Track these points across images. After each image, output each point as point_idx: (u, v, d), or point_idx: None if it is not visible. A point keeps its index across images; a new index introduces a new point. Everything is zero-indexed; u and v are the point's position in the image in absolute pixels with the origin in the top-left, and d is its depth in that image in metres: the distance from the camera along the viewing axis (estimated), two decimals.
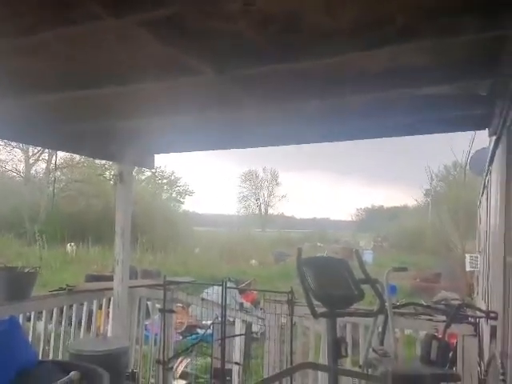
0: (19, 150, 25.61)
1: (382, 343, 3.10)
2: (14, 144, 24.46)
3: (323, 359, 3.54)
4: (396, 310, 3.29)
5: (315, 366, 3.49)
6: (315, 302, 2.41)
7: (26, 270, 3.72)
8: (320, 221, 47.37)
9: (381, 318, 3.11)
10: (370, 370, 2.94)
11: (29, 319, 3.81)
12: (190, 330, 7.89)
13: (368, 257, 19.12)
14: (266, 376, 3.85)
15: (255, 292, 10.25)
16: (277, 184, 48.62)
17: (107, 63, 2.34)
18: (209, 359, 5.30)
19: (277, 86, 2.57)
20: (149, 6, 1.61)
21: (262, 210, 49.04)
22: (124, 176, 4.07)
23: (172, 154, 4.75)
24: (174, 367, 5.27)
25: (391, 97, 2.67)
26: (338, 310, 2.54)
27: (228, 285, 4.16)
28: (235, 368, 4.56)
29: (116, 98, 2.84)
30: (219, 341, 4.08)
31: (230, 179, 65.83)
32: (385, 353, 2.84)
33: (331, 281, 2.54)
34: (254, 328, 5.77)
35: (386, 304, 2.92)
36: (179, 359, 5.67)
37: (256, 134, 3.56)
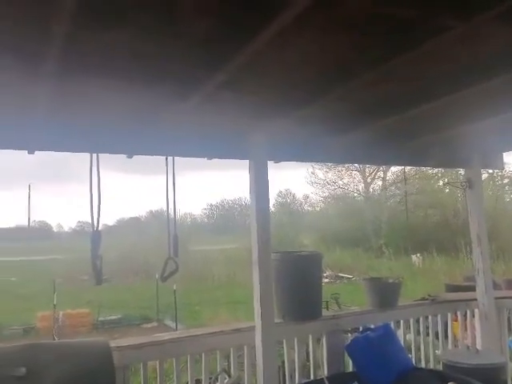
0: (357, 172, 28.40)
1: None
2: (352, 168, 27.35)
3: None
4: None
5: None
6: None
7: (391, 281, 4.03)
8: None
9: None
10: None
11: (398, 326, 4.07)
12: None
13: None
14: None
15: None
16: None
17: (449, 70, 2.33)
18: None
19: None
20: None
21: None
22: (473, 181, 3.90)
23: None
24: None
25: None
26: None
27: None
28: None
29: (457, 103, 2.78)
30: None
31: None
32: None
33: None
34: None
35: None
36: None
37: None
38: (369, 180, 28.94)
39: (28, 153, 2.63)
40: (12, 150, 2.58)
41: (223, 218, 45.00)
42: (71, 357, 2.45)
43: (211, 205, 47.37)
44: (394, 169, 26.59)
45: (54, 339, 8.96)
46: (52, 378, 2.33)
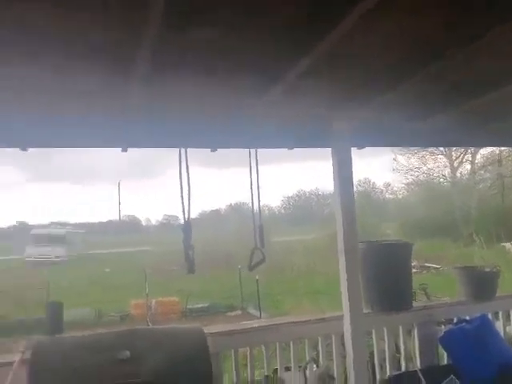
0: (443, 156, 26.85)
1: None
2: (437, 152, 25.93)
3: None
4: None
5: None
6: None
7: (487, 270, 3.78)
8: None
9: None
10: None
11: (497, 318, 3.81)
12: None
13: None
14: None
15: None
16: None
17: None
18: None
19: None
20: None
21: None
22: None
23: None
24: None
25: None
26: None
27: None
28: None
29: None
30: None
31: None
32: None
33: None
34: None
35: None
36: None
37: None
38: (456, 164, 27.24)
39: (122, 150, 2.80)
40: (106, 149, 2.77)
41: (300, 209, 44.87)
42: (169, 343, 2.57)
43: (288, 196, 47.44)
44: (484, 151, 24.78)
45: (148, 325, 9.54)
46: (151, 362, 2.46)
